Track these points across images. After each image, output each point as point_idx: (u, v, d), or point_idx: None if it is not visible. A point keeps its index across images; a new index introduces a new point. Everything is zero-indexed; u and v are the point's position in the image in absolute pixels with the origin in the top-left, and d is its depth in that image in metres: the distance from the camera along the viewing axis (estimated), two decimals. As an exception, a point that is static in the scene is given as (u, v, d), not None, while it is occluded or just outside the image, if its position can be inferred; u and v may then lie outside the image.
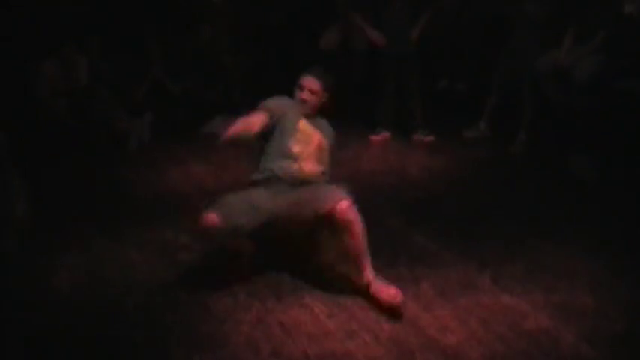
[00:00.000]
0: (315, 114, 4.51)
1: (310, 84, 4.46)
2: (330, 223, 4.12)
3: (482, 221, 5.10)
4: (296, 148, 4.35)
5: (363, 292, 4.09)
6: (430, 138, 6.75)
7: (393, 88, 6.74)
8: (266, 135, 4.38)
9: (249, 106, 4.63)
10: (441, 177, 5.93)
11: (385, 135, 6.83)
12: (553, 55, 6.13)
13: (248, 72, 7.80)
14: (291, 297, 4.12)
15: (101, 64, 6.93)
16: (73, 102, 6.56)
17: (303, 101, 4.44)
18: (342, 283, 4.26)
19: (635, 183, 5.55)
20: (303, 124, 4.43)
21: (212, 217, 4.00)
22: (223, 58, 7.67)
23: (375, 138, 6.82)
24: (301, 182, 4.31)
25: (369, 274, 4.10)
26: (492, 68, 6.72)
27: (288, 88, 4.72)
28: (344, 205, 4.06)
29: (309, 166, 4.38)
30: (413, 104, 6.80)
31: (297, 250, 4.64)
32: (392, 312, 3.93)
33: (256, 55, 8.01)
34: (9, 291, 4.26)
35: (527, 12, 6.22)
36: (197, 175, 5.88)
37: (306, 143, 4.40)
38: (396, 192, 5.61)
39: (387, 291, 4.00)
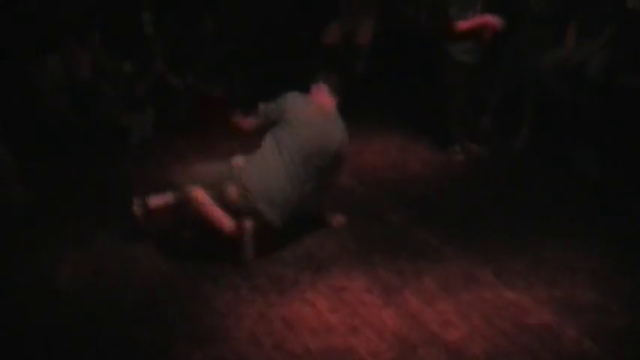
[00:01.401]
0: None
1: None
2: None
3: (485, 216, 5.09)
4: None
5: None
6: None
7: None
8: None
9: (251, 101, 4.65)
10: (443, 172, 5.92)
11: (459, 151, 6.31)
12: (558, 52, 6.11)
13: (251, 67, 7.78)
14: (293, 291, 4.13)
15: (103, 59, 6.92)
16: (75, 97, 6.55)
17: None
18: (344, 278, 4.27)
19: (637, 178, 5.54)
20: None
21: None
22: (226, 53, 7.66)
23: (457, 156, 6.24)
24: None
25: None
26: (496, 64, 6.69)
27: (290, 83, 4.74)
28: None
29: None
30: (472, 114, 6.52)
31: (298, 245, 4.64)
32: None
33: (259, 49, 8.00)
34: (10, 287, 4.27)
35: (531, 8, 6.20)
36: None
37: None
38: (399, 187, 5.60)
39: None
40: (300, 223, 4.83)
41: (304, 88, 4.79)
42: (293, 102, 4.60)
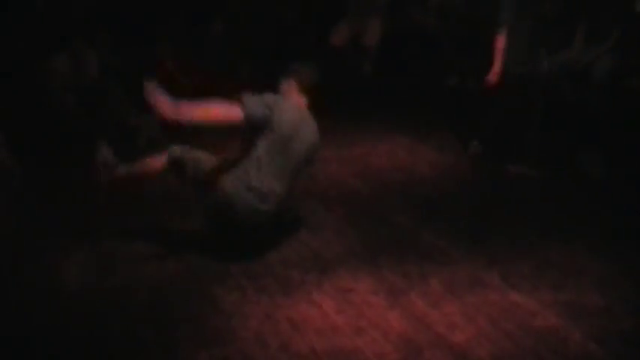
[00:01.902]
0: None
1: None
2: None
3: (491, 219, 5.10)
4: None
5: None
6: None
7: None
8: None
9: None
10: (450, 174, 5.92)
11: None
12: (566, 53, 6.11)
13: (259, 67, 7.80)
14: (299, 292, 4.13)
15: (111, 59, 6.94)
16: (82, 97, 6.57)
17: None
18: (350, 280, 4.27)
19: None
20: None
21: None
22: (233, 54, 7.68)
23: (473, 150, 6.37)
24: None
25: None
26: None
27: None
28: None
29: None
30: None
31: (304, 246, 4.65)
32: None
33: (267, 50, 8.02)
34: (16, 286, 4.28)
35: (536, 10, 6.20)
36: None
37: None
38: (405, 189, 5.61)
39: None
40: (306, 225, 4.85)
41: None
42: (279, 113, 4.36)
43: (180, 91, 4.53)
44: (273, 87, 4.58)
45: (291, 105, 4.48)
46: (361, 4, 7.91)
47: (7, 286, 4.25)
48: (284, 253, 4.56)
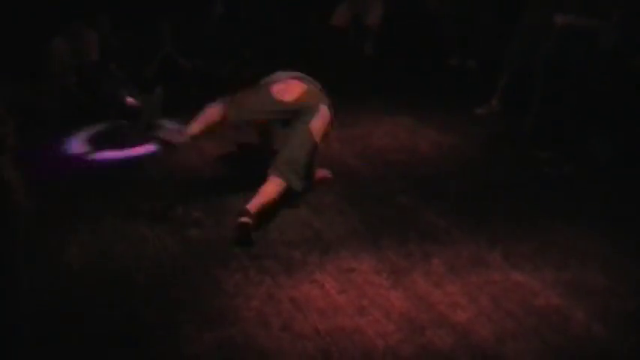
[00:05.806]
0: None
1: None
2: None
3: (493, 198, 5.09)
4: None
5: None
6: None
7: None
8: None
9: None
10: (452, 154, 5.91)
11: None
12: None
13: (259, 49, 7.77)
14: (301, 273, 4.13)
15: (112, 40, 6.91)
16: (83, 78, 6.54)
17: None
18: (352, 260, 4.27)
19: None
20: None
21: None
22: (235, 34, 7.65)
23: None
24: None
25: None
26: (504, 45, 6.67)
27: (299, 65, 4.72)
28: None
29: None
30: None
31: (307, 227, 4.65)
32: None
33: (268, 31, 7.99)
34: (20, 268, 4.27)
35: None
36: (208, 151, 5.87)
37: None
38: (407, 169, 5.60)
39: None
40: (307, 206, 4.85)
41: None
42: None
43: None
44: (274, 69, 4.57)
45: None
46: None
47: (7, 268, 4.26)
48: (286, 234, 4.56)
